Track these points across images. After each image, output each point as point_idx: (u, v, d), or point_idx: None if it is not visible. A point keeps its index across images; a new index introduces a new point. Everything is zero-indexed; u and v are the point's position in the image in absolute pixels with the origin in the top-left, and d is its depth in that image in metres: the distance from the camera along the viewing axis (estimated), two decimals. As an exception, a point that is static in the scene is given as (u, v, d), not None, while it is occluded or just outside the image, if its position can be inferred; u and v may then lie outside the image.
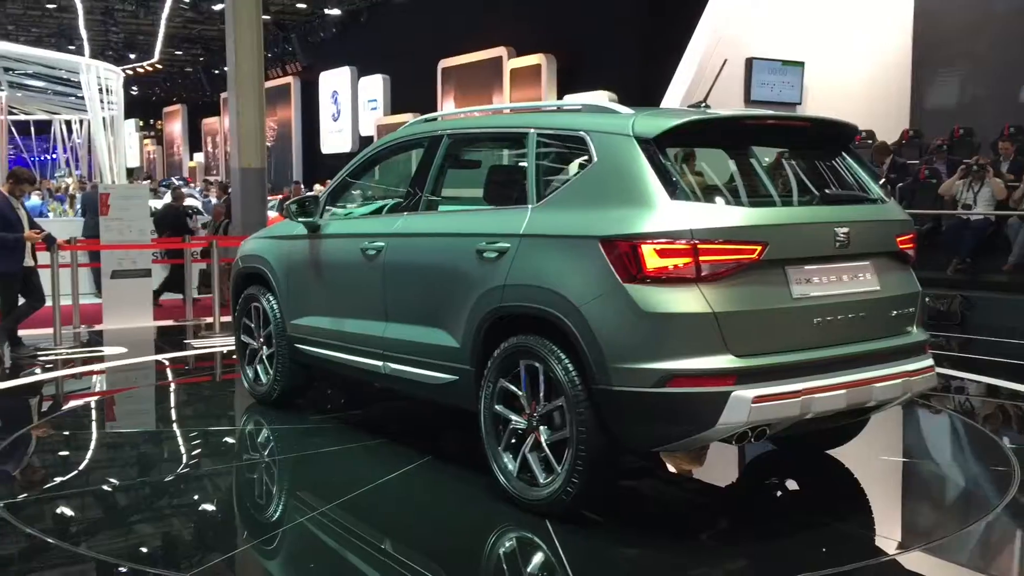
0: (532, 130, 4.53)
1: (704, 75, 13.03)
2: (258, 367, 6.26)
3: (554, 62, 19.07)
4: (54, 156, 30.80)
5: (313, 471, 5.13)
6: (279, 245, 6.03)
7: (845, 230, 4.07)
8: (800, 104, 14.15)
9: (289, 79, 30.92)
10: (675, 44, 13.98)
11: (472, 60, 21.46)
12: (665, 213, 3.79)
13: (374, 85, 25.83)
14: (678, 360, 3.69)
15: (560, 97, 18.22)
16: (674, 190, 3.86)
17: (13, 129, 26.29)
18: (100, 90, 22.61)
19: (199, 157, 39.25)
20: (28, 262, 8.40)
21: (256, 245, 6.37)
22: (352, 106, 26.86)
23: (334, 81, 27.84)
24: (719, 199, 3.98)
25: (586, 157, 4.21)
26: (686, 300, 3.72)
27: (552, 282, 4.02)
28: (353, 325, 5.35)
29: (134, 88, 39.88)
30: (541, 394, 4.12)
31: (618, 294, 3.78)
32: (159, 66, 35.79)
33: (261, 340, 6.19)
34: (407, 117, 22.66)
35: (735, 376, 3.70)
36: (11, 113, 24.65)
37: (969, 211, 11.27)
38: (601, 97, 16.52)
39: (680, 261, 3.72)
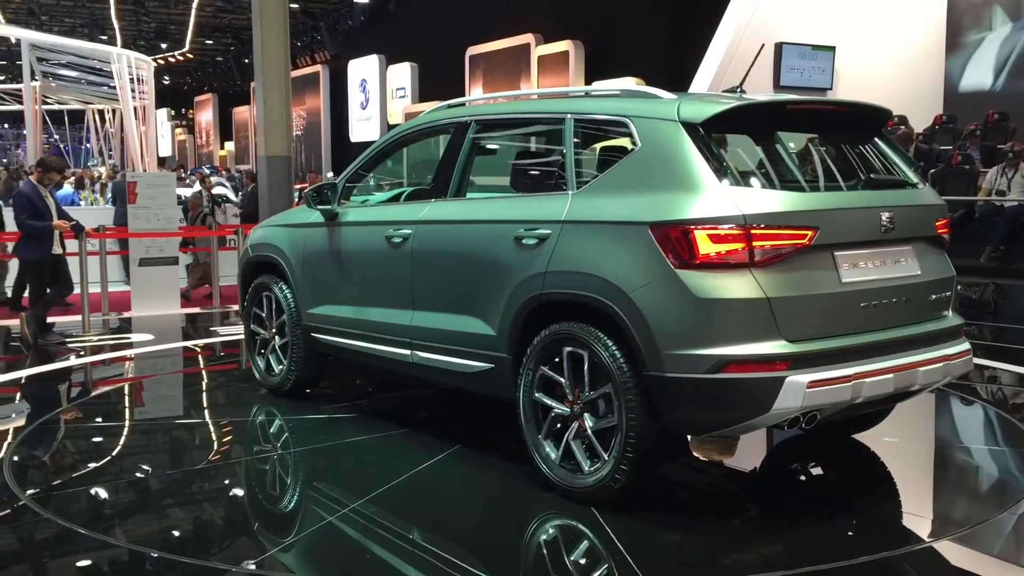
0: (569, 115, 4.47)
1: (732, 60, 12.90)
2: (270, 357, 6.17)
3: (582, 48, 18.97)
4: (88, 145, 31.16)
5: (343, 462, 5.04)
6: (293, 233, 5.93)
7: (889, 214, 4.08)
8: (831, 89, 13.98)
9: (318, 67, 31.01)
10: (703, 30, 13.86)
11: (500, 47, 21.39)
12: (717, 198, 3.78)
13: (402, 73, 25.84)
14: (732, 346, 3.68)
15: (588, 84, 18.12)
16: (724, 175, 3.84)
17: (47, 118, 26.60)
18: (132, 79, 22.84)
19: (230, 146, 39.52)
20: (56, 250, 8.49)
21: (268, 233, 6.26)
22: (380, 94, 26.89)
23: (362, 69, 27.87)
24: (768, 184, 3.95)
25: (629, 143, 4.17)
26: (740, 285, 3.71)
27: (599, 268, 3.98)
28: (376, 314, 5.28)
29: (166, 77, 40.27)
30: (586, 381, 4.08)
31: (670, 280, 3.76)
32: (190, 56, 36.09)
33: (273, 330, 6.11)
34: (435, 105, 22.60)
35: (789, 361, 3.69)
36: (45, 102, 24.93)
37: (1003, 198, 11.08)
38: (629, 83, 16.42)
39: (733, 246, 3.72)
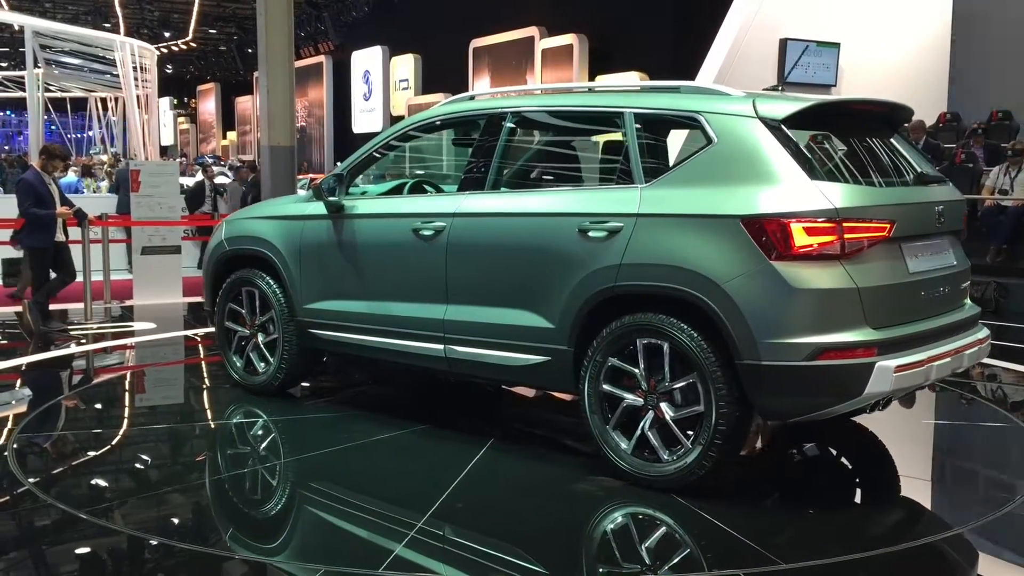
0: (627, 110, 4.51)
1: (737, 56, 12.87)
2: (251, 355, 5.91)
3: (586, 42, 18.93)
4: (89, 133, 31.15)
5: (383, 464, 4.81)
6: (287, 226, 5.66)
7: (941, 208, 4.41)
8: (835, 86, 13.94)
9: (321, 58, 30.94)
10: (708, 24, 13.81)
11: (504, 40, 21.35)
12: (809, 192, 3.93)
13: (406, 65, 25.80)
14: (828, 334, 3.85)
15: (591, 78, 18.09)
16: (811, 170, 4.00)
17: (50, 106, 26.57)
18: (135, 68, 22.79)
19: (232, 136, 39.46)
20: (59, 237, 8.50)
21: (251, 226, 5.94)
22: (384, 86, 26.85)
23: (366, 60, 27.82)
24: (848, 179, 4.14)
25: (702, 138, 4.25)
26: (833, 276, 3.89)
27: (686, 261, 4.05)
28: (399, 308, 5.12)
29: (168, 66, 40.18)
30: (666, 371, 4.15)
31: (766, 272, 3.89)
32: (193, 44, 36.01)
33: (256, 327, 5.86)
34: (438, 97, 22.61)
35: (877, 347, 3.89)
36: (48, 90, 24.88)
37: (1005, 196, 11.08)
38: (633, 79, 16.38)
39: (827, 239, 3.89)
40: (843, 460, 5.17)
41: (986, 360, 7.29)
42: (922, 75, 14.60)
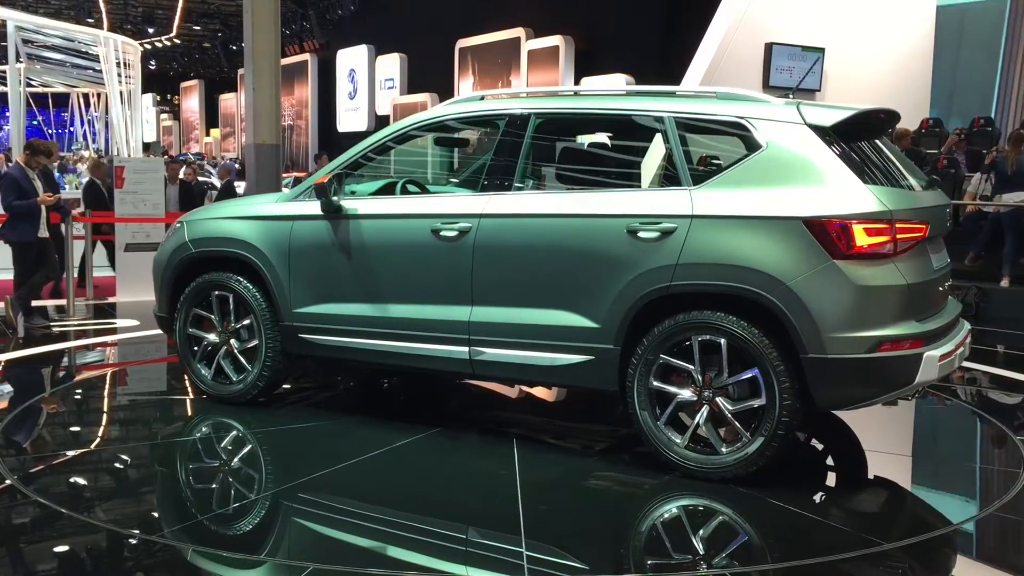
0: (667, 114, 4.63)
1: (724, 59, 12.93)
2: (223, 363, 5.60)
3: (572, 44, 18.97)
4: (71, 129, 30.94)
5: (425, 479, 4.57)
6: (271, 226, 5.39)
7: (949, 210, 4.81)
8: (819, 91, 14.04)
9: (306, 56, 30.86)
10: (694, 28, 13.89)
11: (490, 40, 21.36)
12: (866, 196, 4.18)
13: (391, 64, 25.76)
14: (885, 328, 4.15)
15: (577, 81, 18.14)
16: (862, 174, 4.26)
17: (31, 101, 26.38)
18: (118, 63, 22.67)
19: (216, 133, 39.29)
20: (43, 233, 8.44)
21: (225, 226, 5.60)
22: (369, 85, 26.81)
23: (351, 59, 27.77)
24: (889, 183, 4.40)
25: (749, 142, 4.45)
26: (888, 273, 4.18)
27: (749, 260, 4.21)
28: (416, 311, 4.99)
29: (152, 62, 39.96)
30: (725, 366, 4.30)
31: (829, 270, 4.12)
32: (177, 41, 35.88)
33: (230, 333, 5.58)
34: (423, 97, 22.59)
35: (923, 339, 4.22)
36: (29, 85, 24.71)
37: (987, 202, 11.18)
38: (619, 81, 16.43)
39: (883, 239, 4.16)
40: (823, 450, 5.21)
41: (965, 363, 7.40)
42: (905, 80, 14.73)
